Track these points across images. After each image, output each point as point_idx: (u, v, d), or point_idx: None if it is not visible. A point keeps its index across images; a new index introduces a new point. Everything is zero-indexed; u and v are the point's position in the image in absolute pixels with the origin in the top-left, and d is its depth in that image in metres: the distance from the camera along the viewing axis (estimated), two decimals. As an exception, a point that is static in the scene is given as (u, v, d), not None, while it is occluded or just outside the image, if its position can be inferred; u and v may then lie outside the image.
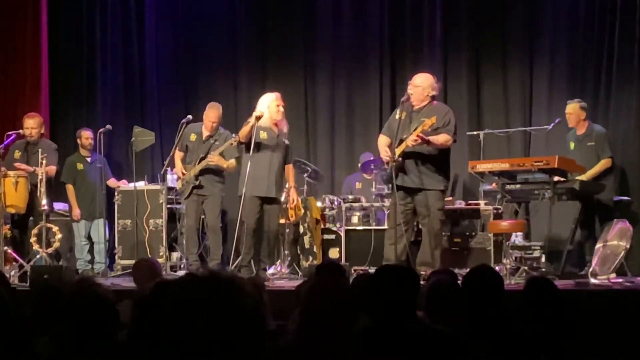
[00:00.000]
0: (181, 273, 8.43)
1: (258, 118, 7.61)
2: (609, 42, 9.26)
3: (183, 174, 8.35)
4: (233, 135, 8.09)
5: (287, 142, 7.96)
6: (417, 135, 7.05)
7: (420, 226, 7.60)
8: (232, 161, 8.28)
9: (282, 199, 8.12)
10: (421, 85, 7.40)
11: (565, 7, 9.68)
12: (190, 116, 8.51)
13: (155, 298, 2.85)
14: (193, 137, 8.42)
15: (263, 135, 7.73)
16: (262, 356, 2.02)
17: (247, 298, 1.90)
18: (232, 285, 1.90)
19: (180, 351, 1.86)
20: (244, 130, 7.71)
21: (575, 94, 9.07)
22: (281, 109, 7.85)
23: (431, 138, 7.13)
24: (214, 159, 8.17)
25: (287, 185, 8.17)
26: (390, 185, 7.39)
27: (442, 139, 7.21)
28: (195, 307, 1.85)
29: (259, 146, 7.69)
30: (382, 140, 7.51)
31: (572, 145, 8.55)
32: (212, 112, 8.40)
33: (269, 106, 7.79)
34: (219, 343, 1.83)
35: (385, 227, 7.90)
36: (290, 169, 8.06)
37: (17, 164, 8.54)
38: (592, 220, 8.36)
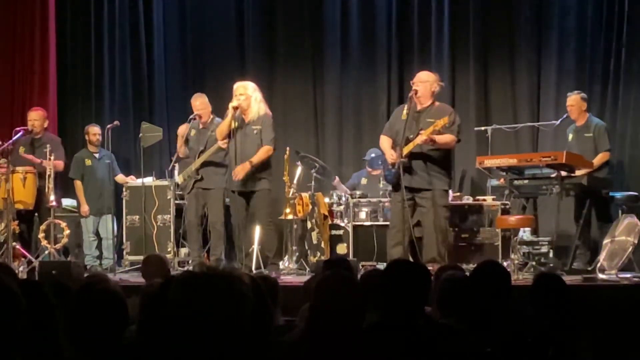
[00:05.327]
0: (189, 269, 8.45)
1: (235, 108, 7.61)
2: (617, 36, 9.23)
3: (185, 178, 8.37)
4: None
5: (259, 127, 7.79)
6: (427, 136, 7.09)
7: (421, 224, 7.62)
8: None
9: (290, 194, 8.11)
10: (428, 80, 7.45)
11: (573, 1, 9.65)
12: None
13: (164, 293, 2.86)
14: (193, 132, 8.43)
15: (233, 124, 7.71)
16: (270, 351, 2.03)
17: (240, 293, 1.89)
18: (224, 282, 1.89)
19: (183, 348, 1.87)
20: (222, 127, 7.72)
21: (584, 88, 9.03)
22: (241, 96, 7.74)
23: (437, 138, 7.17)
24: (224, 146, 7.96)
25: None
26: (392, 186, 7.51)
27: (447, 139, 7.27)
28: (191, 304, 1.86)
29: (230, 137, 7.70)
30: (385, 142, 7.55)
31: (570, 136, 8.53)
32: (195, 101, 8.40)
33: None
34: (217, 338, 1.84)
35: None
36: (263, 149, 7.74)
37: (23, 154, 8.56)
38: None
